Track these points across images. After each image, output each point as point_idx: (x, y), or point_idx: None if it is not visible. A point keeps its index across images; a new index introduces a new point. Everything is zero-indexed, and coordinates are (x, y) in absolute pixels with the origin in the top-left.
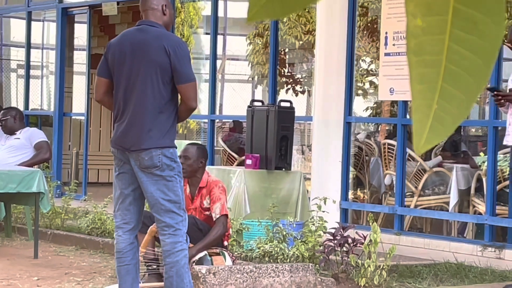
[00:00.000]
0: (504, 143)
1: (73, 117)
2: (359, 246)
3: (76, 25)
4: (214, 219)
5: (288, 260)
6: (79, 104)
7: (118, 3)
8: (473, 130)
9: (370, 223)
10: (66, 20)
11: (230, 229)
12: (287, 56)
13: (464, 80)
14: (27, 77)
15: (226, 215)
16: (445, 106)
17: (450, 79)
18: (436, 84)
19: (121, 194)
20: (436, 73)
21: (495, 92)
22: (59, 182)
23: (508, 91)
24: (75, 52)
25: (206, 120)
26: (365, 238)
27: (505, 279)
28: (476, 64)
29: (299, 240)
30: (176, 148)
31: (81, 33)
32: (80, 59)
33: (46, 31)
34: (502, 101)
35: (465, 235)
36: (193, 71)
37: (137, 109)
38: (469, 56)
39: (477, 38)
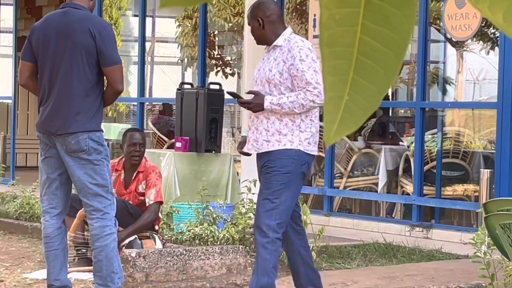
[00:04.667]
0: (245, 150)
1: (0, 101)
2: None
3: (2, 7)
4: (147, 204)
5: (218, 243)
6: (6, 87)
7: None
8: (401, 111)
9: (300, 205)
10: None
11: (160, 213)
12: (216, 38)
13: (374, 72)
14: None
15: (160, 202)
16: (356, 98)
17: (361, 71)
18: (347, 76)
19: (47, 178)
20: (347, 65)
21: (238, 99)
22: None
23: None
24: (1, 34)
25: (135, 103)
26: None
27: (433, 258)
28: (387, 57)
29: (229, 223)
30: (103, 131)
31: (7, 15)
32: (6, 41)
33: None
34: (248, 106)
35: (393, 216)
36: (119, 53)
37: (62, 93)
38: (380, 48)
39: (388, 30)
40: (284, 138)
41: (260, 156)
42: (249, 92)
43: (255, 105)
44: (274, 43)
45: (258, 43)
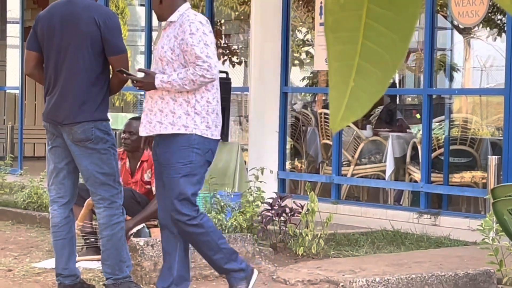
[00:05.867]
0: (141, 134)
1: (7, 91)
2: (296, 216)
3: None
4: (154, 192)
5: (226, 231)
6: (13, 77)
7: None
8: (409, 98)
9: (308, 193)
10: None
11: None
12: (223, 27)
13: (380, 57)
14: None
15: None
16: (361, 83)
17: (367, 56)
18: (353, 61)
19: (54, 168)
20: (353, 50)
21: (125, 75)
22: None
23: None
24: (8, 25)
25: (142, 92)
26: (302, 207)
27: (441, 245)
28: (392, 41)
29: (237, 211)
30: (109, 120)
31: (14, 5)
32: (13, 32)
33: None
34: (139, 85)
35: (401, 203)
36: (124, 42)
37: (68, 82)
38: (385, 32)
39: (393, 14)
40: (178, 120)
41: (156, 140)
42: (139, 70)
43: (146, 84)
44: (169, 19)
45: (158, 20)
